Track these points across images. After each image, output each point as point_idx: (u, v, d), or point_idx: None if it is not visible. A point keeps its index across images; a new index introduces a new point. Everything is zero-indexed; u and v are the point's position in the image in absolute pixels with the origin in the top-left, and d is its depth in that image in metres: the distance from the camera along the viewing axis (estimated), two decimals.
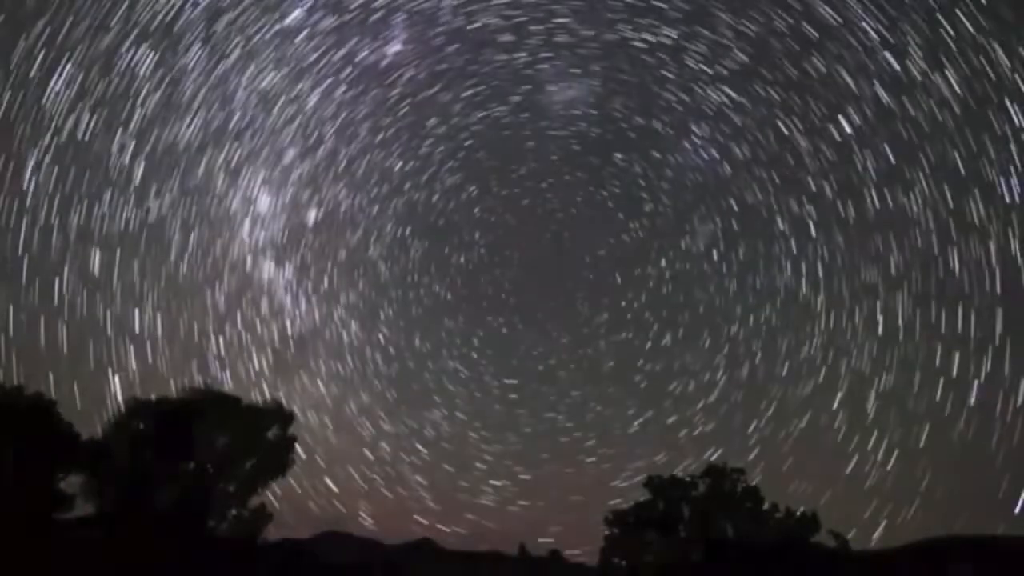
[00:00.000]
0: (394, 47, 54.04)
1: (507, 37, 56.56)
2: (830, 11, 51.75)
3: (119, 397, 46.39)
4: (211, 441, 28.63)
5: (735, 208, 58.77)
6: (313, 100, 53.66)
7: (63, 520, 27.47)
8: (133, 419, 29.03)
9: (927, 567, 35.70)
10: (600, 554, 32.40)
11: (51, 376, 45.51)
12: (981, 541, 39.06)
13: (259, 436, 29.18)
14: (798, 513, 31.66)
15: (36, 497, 26.79)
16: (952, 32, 48.54)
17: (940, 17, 48.71)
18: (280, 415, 29.95)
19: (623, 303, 60.92)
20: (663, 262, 60.39)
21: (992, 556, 35.71)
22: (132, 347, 48.17)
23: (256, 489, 29.07)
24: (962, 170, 50.72)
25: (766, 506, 31.95)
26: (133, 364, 47.65)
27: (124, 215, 48.51)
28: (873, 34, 51.45)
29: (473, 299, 61.30)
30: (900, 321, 51.22)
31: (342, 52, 53.02)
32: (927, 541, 39.71)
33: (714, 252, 59.39)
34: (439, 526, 51.70)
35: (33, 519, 26.20)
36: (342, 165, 56.52)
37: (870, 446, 46.09)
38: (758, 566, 30.09)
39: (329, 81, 53.39)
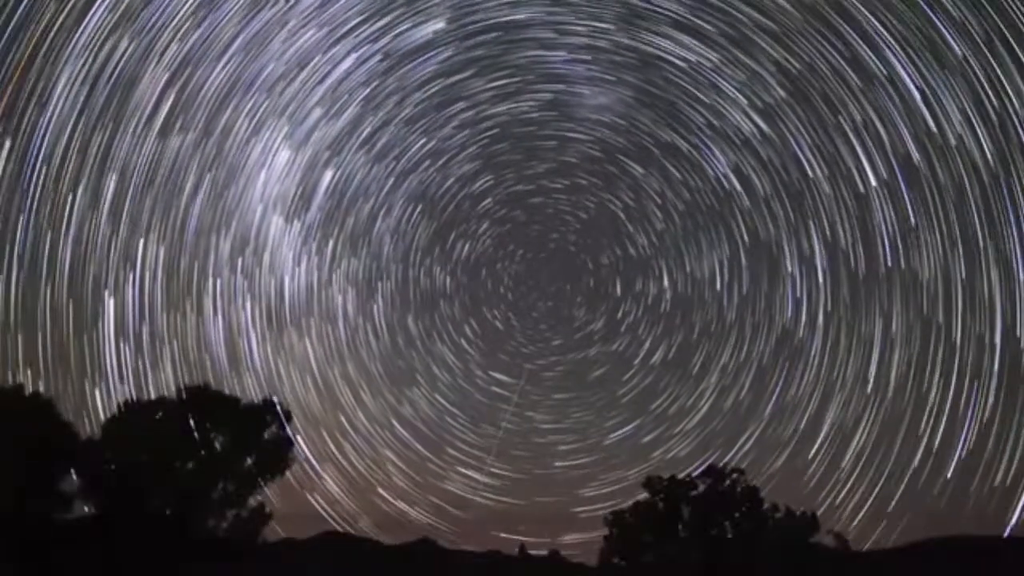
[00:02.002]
0: (436, 24, 54.39)
1: (548, 34, 56.56)
2: (876, 61, 50.13)
3: (111, 320, 46.94)
4: (209, 441, 28.67)
5: (746, 240, 57.57)
6: (346, 64, 53.79)
7: (62, 520, 27.52)
8: (131, 418, 29.10)
9: (927, 567, 35.71)
10: (599, 554, 32.43)
11: (48, 290, 45.41)
12: (982, 541, 39.06)
13: (257, 435, 29.20)
14: (798, 513, 31.72)
15: (35, 497, 26.84)
16: (995, 102, 48.26)
17: (985, 85, 48.13)
18: (278, 414, 29.99)
19: (619, 314, 60.71)
20: (665, 281, 60.03)
21: (993, 556, 35.71)
22: (131, 275, 48.27)
23: (255, 489, 29.08)
24: (981, 241, 48.47)
25: (766, 506, 32.00)
26: (130, 291, 48.05)
27: (145, 146, 49.05)
28: (915, 92, 49.51)
29: (471, 289, 61.22)
30: (891, 381, 49.72)
31: (383, 22, 53.19)
32: (927, 541, 39.71)
33: (718, 280, 58.90)
34: (400, 503, 51.84)
35: (32, 519, 26.23)
36: (364, 134, 56.59)
37: (838, 501, 45.80)
38: (758, 566, 30.10)
39: (365, 48, 53.56)
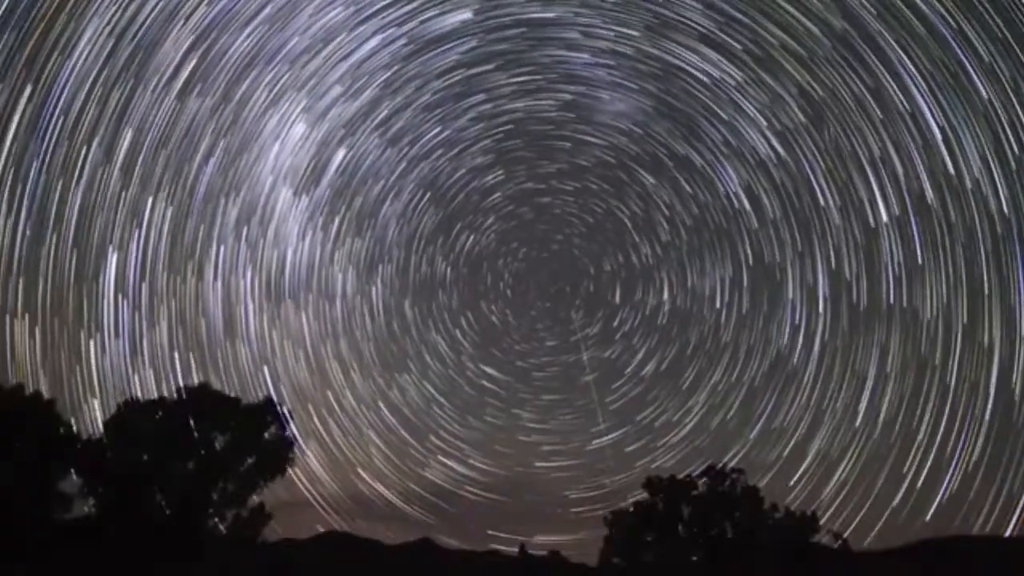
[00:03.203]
0: (463, 15, 54.61)
1: (573, 35, 56.58)
2: (900, 95, 51.05)
3: (113, 274, 48.36)
4: (210, 441, 28.64)
5: (750, 262, 58.32)
6: (371, 45, 54.47)
7: (62, 520, 27.48)
8: (131, 419, 29.07)
9: (927, 567, 35.72)
10: (599, 555, 32.41)
11: (54, 238, 46.86)
12: (982, 541, 39.11)
13: (257, 435, 29.18)
14: (798, 513, 31.71)
15: (35, 497, 26.82)
16: (1016, 149, 48.01)
17: (1008, 130, 48.01)
18: (278, 414, 29.97)
19: (615, 322, 60.93)
20: (665, 293, 60.07)
21: (993, 556, 35.75)
22: (137, 232, 49.93)
23: (255, 489, 29.06)
24: (987, 288, 49.35)
25: (766, 506, 32.00)
26: (134, 247, 49.80)
27: (164, 105, 50.35)
28: (936, 130, 50.22)
29: (471, 281, 61.86)
30: (881, 417, 50.17)
31: (411, 6, 53.59)
32: (928, 541, 39.75)
33: (718, 298, 58.94)
34: (379, 485, 53.08)
35: (32, 519, 26.19)
36: (381, 116, 57.25)
37: None
38: (758, 566, 30.10)
39: (391, 31, 54.13)
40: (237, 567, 28.40)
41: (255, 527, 29.06)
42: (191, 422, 28.60)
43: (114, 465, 28.18)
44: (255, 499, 29.11)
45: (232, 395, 30.59)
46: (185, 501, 28.00)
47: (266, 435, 29.40)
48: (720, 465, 33.11)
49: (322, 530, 46.42)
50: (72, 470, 27.76)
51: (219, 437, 28.78)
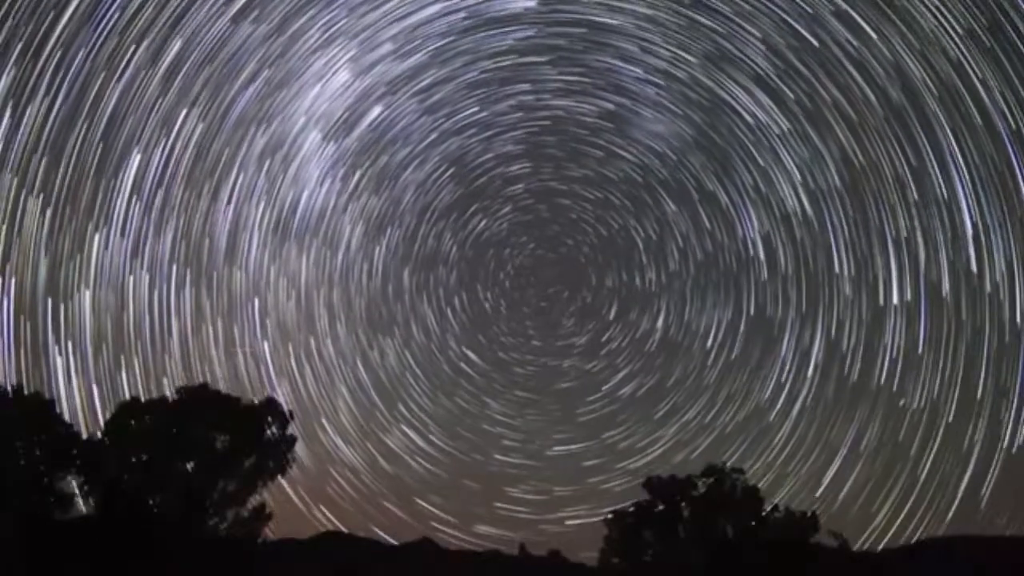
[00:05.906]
0: (527, 1, 54.94)
1: (631, 47, 55.95)
2: (941, 182, 49.98)
3: (132, 176, 49.18)
4: (210, 440, 28.65)
5: (751, 311, 57.39)
6: (430, 11, 54.27)
7: (62, 520, 27.50)
8: (131, 418, 29.10)
9: (927, 567, 35.76)
10: (599, 555, 32.44)
11: (84, 127, 47.22)
12: (982, 541, 39.12)
13: (257, 435, 29.20)
14: (798, 513, 31.73)
15: (35, 497, 26.84)
16: None
17: None
18: (278, 414, 30.00)
19: (604, 337, 60.54)
20: (660, 321, 59.54)
21: (993, 555, 35.76)
22: (164, 140, 50.30)
23: (255, 489, 29.10)
24: (979, 394, 48.26)
25: (766, 506, 32.03)
26: (158, 154, 50.29)
27: (218, 24, 50.42)
28: (969, 225, 49.17)
29: (473, 264, 61.61)
30: (844, 490, 48.77)
31: None
32: (928, 541, 39.79)
33: (711, 338, 58.35)
34: (338, 439, 53.96)
35: (32, 519, 26.21)
36: (424, 82, 57.12)
37: None
38: (758, 566, 30.10)
39: (453, 1, 54.27)
40: (237, 567, 28.35)
41: (255, 527, 29.10)
42: (191, 422, 28.64)
43: (114, 465, 28.24)
44: (255, 499, 29.25)
45: (232, 395, 30.72)
46: (185, 501, 28.02)
47: (266, 435, 29.46)
48: (720, 465, 33.13)
49: (322, 530, 46.53)
50: (72, 470, 27.82)
51: (219, 437, 28.82)
